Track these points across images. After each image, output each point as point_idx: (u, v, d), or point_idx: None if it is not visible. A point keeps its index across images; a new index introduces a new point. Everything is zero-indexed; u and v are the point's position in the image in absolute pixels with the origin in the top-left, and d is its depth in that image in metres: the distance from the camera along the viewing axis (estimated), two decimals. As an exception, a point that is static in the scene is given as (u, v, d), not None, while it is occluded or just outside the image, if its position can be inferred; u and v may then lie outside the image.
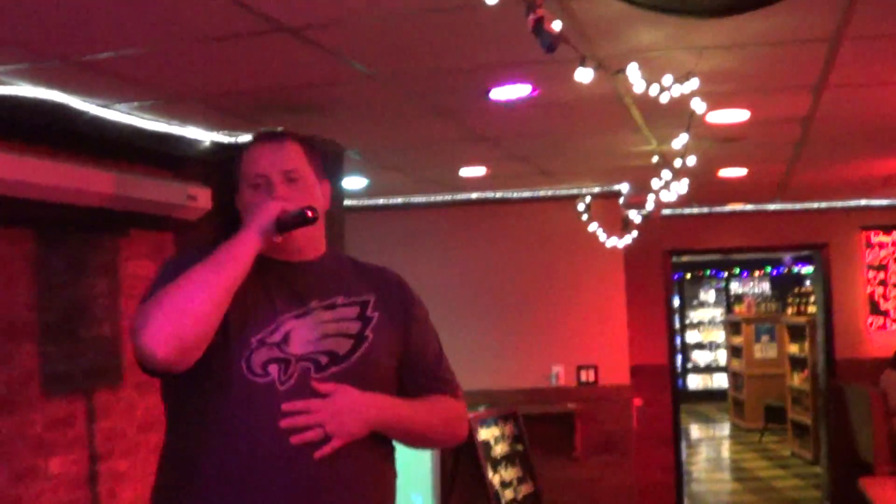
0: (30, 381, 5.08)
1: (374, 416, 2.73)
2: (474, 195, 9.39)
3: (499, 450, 7.58)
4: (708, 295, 22.29)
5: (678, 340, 20.15)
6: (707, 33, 4.39)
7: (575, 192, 9.34)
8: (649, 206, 8.22)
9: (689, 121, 5.33)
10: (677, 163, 6.07)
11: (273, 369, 2.63)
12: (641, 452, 9.99)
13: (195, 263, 2.67)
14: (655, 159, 7.20)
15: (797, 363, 15.26)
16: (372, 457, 2.76)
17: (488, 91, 5.18)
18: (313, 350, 2.68)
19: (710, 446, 17.00)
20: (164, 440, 2.83)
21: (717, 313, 22.17)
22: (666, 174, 6.92)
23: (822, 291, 11.78)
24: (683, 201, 9.55)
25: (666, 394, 11.22)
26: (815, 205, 11.45)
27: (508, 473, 7.59)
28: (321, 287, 2.79)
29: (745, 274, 21.65)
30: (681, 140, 5.45)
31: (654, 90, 4.29)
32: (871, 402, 9.89)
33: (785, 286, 20.23)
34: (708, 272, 21.58)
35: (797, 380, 15.16)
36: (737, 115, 5.92)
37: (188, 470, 2.65)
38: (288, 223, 2.68)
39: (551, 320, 9.55)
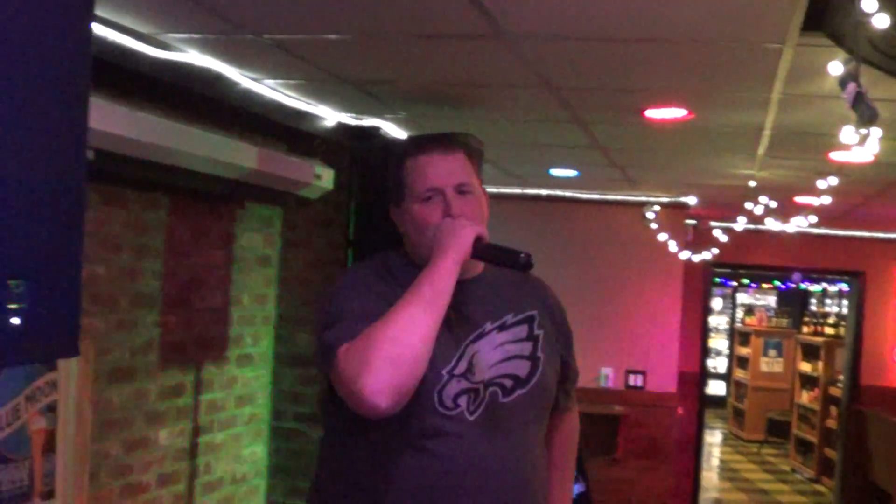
0: (149, 350, 5.04)
1: None
2: (544, 192, 9.34)
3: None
4: (714, 302, 22.31)
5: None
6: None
7: (643, 199, 9.30)
8: (739, 226, 8.23)
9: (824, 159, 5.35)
10: (815, 200, 6.04)
11: (463, 401, 2.56)
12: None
13: (377, 283, 2.63)
14: (753, 184, 7.19)
15: (807, 381, 15.33)
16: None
17: (643, 111, 5.15)
18: (496, 374, 2.62)
19: (709, 453, 17.01)
20: (329, 461, 2.77)
21: (722, 321, 22.21)
22: (763, 199, 6.93)
23: (855, 317, 11.85)
24: (732, 218, 9.57)
25: (693, 400, 11.25)
26: (855, 233, 11.51)
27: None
28: (490, 306, 2.71)
29: (754, 286, 21.69)
30: (829, 181, 5.44)
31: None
32: (899, 434, 9.98)
33: (791, 301, 20.34)
34: (717, 280, 21.57)
35: (806, 398, 15.23)
36: (863, 157, 5.90)
37: (371, 498, 2.60)
38: (486, 255, 2.59)
39: (607, 322, 9.53)
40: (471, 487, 2.54)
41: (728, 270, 15.43)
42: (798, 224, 6.71)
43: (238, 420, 5.85)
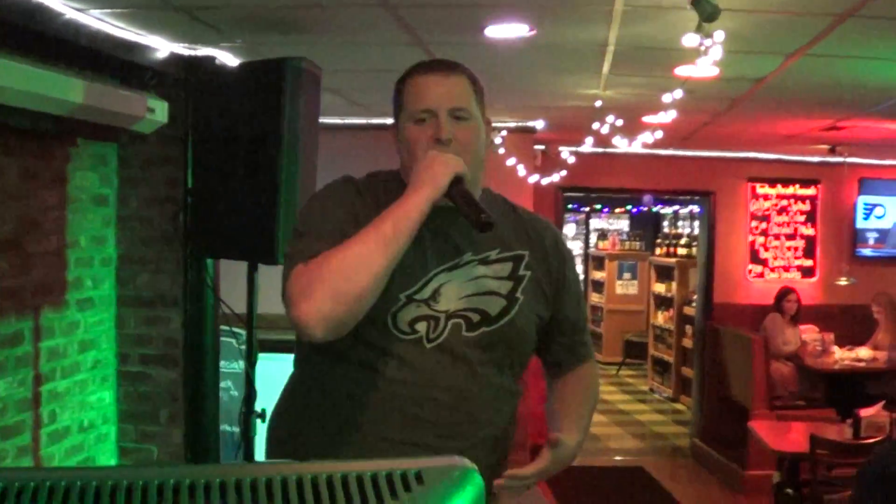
0: (-19, 297, 4.82)
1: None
2: (391, 120, 9.16)
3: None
4: (568, 228, 22.42)
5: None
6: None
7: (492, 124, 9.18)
8: (587, 149, 8.22)
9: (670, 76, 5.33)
10: (660, 117, 6.04)
11: (421, 327, 2.52)
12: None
13: (355, 199, 2.58)
14: (599, 104, 7.16)
15: (662, 302, 15.58)
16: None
17: (483, 28, 5.04)
18: (464, 307, 2.56)
19: (567, 377, 17.17)
20: (299, 373, 2.76)
21: (576, 247, 22.37)
22: (610, 118, 6.92)
23: (706, 237, 12.03)
24: (580, 141, 9.58)
25: (545, 326, 11.28)
26: (705, 153, 11.65)
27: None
28: (476, 237, 2.60)
29: (607, 210, 21.86)
30: (675, 94, 5.42)
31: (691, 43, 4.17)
32: (752, 347, 10.16)
33: (644, 224, 20.60)
34: (569, 206, 21.62)
35: (661, 318, 15.49)
36: (708, 72, 5.89)
37: (324, 409, 2.59)
38: (456, 198, 2.48)
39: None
40: (419, 415, 2.51)
41: (580, 195, 15.47)
42: (644, 141, 6.71)
43: (82, 366, 5.64)
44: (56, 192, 5.38)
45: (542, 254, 2.74)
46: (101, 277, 5.85)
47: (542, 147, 10.23)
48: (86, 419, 5.70)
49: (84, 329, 5.65)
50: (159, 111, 5.52)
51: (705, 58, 4.20)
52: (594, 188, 12.62)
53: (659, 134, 6.68)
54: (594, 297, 19.00)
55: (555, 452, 2.54)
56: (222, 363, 6.17)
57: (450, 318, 2.55)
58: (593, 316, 18.91)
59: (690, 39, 3.82)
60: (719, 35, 3.93)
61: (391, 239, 2.38)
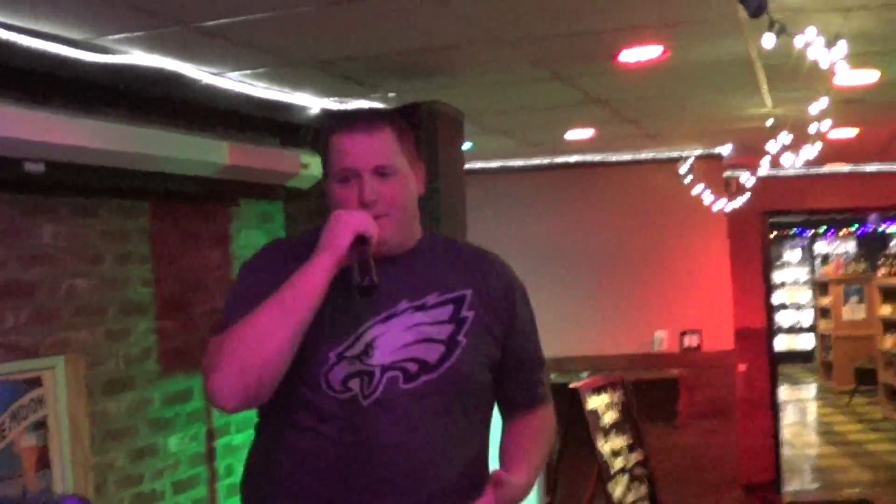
0: (147, 357, 4.98)
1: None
2: (573, 158, 9.17)
3: (608, 418, 7.34)
4: (792, 254, 21.79)
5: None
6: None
7: (676, 154, 9.09)
8: (763, 170, 8.00)
9: (829, 85, 5.11)
10: (812, 127, 5.83)
11: (354, 384, 2.47)
12: (740, 417, 9.76)
13: (285, 261, 2.49)
14: (770, 122, 6.95)
15: (890, 325, 14.93)
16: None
17: (616, 54, 4.98)
18: (400, 358, 2.49)
19: (799, 408, 16.63)
20: (255, 438, 2.73)
21: (802, 273, 21.69)
22: (783, 137, 6.70)
23: (924, 253, 11.50)
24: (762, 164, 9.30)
25: (763, 357, 10.98)
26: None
27: (618, 441, 7.36)
28: (412, 284, 2.55)
29: (831, 233, 21.14)
30: (819, 105, 5.22)
31: (811, 53, 4.03)
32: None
33: (871, 245, 19.82)
34: (792, 231, 20.95)
35: (890, 343, 14.82)
36: (866, 77, 5.66)
37: (272, 473, 2.56)
38: (353, 258, 2.39)
39: (655, 284, 9.32)
40: (358, 475, 2.45)
41: (788, 219, 14.93)
42: (807, 158, 6.46)
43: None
44: (219, 252, 5.55)
45: (488, 291, 2.64)
46: (273, 333, 5.97)
47: (737, 172, 9.98)
48: (266, 472, 5.81)
49: (257, 384, 5.77)
50: (314, 166, 5.64)
51: (829, 61, 4.03)
52: (799, 210, 12.23)
53: (818, 146, 6.42)
54: (822, 324, 18.40)
55: (499, 492, 2.47)
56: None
57: (385, 372, 2.48)
58: (823, 344, 18.31)
59: (768, 41, 3.67)
60: (811, 32, 3.76)
61: (292, 307, 2.37)
